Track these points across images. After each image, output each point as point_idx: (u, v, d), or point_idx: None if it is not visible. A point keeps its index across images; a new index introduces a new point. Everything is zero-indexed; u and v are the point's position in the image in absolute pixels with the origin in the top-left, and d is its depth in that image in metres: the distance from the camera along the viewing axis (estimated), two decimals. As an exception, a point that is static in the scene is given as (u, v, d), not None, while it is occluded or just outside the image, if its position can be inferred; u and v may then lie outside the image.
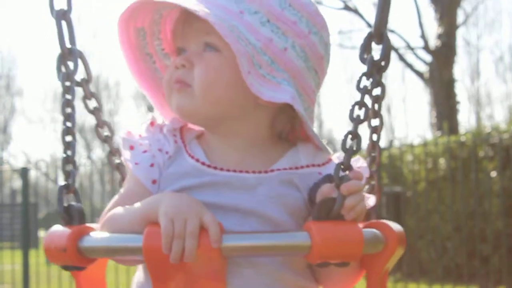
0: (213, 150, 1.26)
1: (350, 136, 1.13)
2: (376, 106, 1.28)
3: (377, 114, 1.29)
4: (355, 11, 16.52)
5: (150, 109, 1.46)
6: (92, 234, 1.19)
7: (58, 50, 1.38)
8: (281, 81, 1.18)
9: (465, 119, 27.61)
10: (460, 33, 16.21)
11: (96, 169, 12.23)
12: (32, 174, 10.89)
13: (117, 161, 1.59)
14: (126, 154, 1.27)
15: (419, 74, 16.06)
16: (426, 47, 15.81)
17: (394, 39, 15.28)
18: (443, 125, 11.74)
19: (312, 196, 1.19)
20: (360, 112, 1.16)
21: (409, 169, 10.33)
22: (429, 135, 12.59)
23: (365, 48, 1.20)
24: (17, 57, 77.38)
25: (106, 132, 1.57)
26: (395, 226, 1.22)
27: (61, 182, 1.32)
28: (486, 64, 38.75)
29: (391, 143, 10.15)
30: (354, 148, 1.13)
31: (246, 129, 1.25)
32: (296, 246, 1.10)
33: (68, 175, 1.29)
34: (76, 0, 1.39)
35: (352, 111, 1.16)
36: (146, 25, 1.29)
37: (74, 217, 1.25)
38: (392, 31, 15.81)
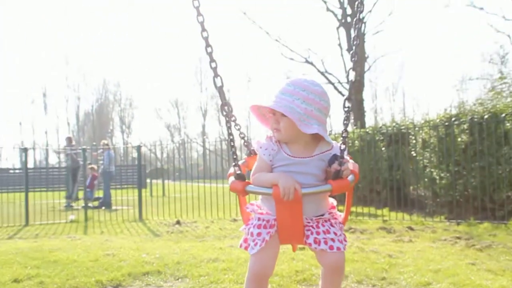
0: (291, 149, 1.98)
1: (342, 139, 1.94)
2: (347, 118, 1.97)
3: (348, 121, 2.00)
4: (311, 64, 19.57)
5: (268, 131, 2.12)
6: (250, 185, 1.93)
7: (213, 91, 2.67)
8: (312, 123, 1.89)
9: (368, 120, 36.25)
10: (366, 75, 20.66)
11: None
12: (143, 149, 13.07)
13: (252, 148, 2.27)
14: (258, 150, 2.01)
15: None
16: (348, 82, 19.51)
17: (332, 78, 19.04)
18: (357, 123, 14.11)
19: (329, 163, 1.93)
20: (346, 122, 1.98)
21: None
22: (350, 129, 14.94)
23: (349, 96, 1.97)
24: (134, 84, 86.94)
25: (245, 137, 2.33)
26: (357, 170, 1.97)
27: (234, 163, 1.99)
28: (380, 92, 52.81)
29: (330, 132, 12.41)
30: (344, 146, 1.95)
31: (304, 139, 1.95)
32: (327, 190, 1.88)
33: (235, 159, 1.99)
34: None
35: (346, 123, 2.01)
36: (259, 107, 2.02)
37: (241, 177, 1.95)
38: (330, 73, 18.78)
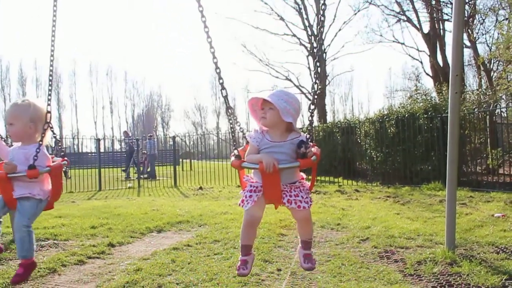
0: (271, 136, 1.82)
1: (309, 127, 1.78)
2: (313, 116, 1.83)
3: (312, 120, 1.83)
4: (290, 80, 18.69)
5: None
6: (244, 162, 1.77)
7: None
8: (289, 117, 1.76)
9: (328, 118, 36.84)
10: (327, 88, 19.50)
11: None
12: (177, 138, 12.41)
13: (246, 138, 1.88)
14: (249, 139, 1.86)
15: (313, 103, 19.18)
16: (314, 92, 18.93)
17: (304, 90, 17.87)
18: (321, 120, 14.20)
19: (298, 147, 1.74)
20: (310, 119, 1.82)
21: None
22: (316, 124, 14.67)
23: (312, 102, 1.80)
24: (171, 94, 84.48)
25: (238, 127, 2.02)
26: (319, 153, 1.78)
27: (234, 147, 1.82)
28: (337, 100, 52.39)
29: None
30: (310, 134, 1.77)
31: (281, 128, 1.81)
32: (296, 166, 1.72)
33: (235, 145, 1.84)
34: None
35: (311, 118, 1.82)
36: (254, 102, 1.86)
37: (238, 157, 1.78)
38: (303, 87, 17.45)
